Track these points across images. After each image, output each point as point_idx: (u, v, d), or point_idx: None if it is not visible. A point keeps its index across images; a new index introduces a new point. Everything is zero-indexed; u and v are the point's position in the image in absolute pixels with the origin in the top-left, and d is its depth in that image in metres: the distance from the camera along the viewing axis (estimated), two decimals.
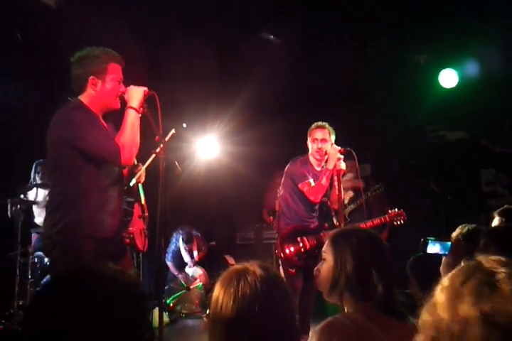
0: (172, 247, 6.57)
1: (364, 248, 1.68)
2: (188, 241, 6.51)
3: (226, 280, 1.33)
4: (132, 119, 2.57)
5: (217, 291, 1.32)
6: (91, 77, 2.59)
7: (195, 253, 6.55)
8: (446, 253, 2.17)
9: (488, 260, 0.97)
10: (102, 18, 4.46)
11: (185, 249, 6.50)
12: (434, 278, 2.02)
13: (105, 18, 4.47)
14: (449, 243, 2.18)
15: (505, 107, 5.72)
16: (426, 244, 2.23)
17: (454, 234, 2.71)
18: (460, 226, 2.75)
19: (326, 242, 1.78)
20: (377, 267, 1.64)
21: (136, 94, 2.61)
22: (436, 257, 2.26)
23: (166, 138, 2.82)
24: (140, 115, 2.62)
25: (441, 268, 2.13)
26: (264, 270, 1.34)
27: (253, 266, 1.35)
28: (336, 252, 1.69)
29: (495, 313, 0.86)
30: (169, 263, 6.40)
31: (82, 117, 2.52)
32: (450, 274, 1.01)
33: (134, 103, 2.59)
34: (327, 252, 1.74)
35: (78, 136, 2.48)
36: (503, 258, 0.97)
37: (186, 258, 6.47)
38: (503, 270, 0.92)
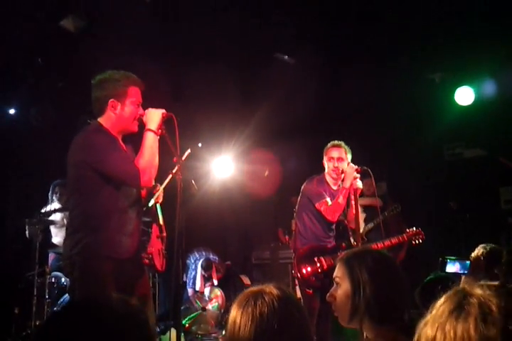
0: (193, 273, 6.49)
1: (381, 269, 1.63)
2: (207, 269, 6.43)
3: (243, 300, 1.33)
4: (151, 142, 2.60)
5: (235, 312, 1.32)
6: (111, 99, 2.64)
7: (215, 280, 6.46)
8: (466, 272, 2.13)
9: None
10: (122, 41, 4.56)
11: (203, 276, 6.41)
12: None
13: (125, 42, 4.57)
14: (468, 262, 2.14)
15: None
16: (445, 264, 2.19)
17: (474, 253, 2.66)
18: (480, 246, 2.71)
19: (338, 266, 1.71)
20: (395, 289, 1.60)
21: (154, 117, 2.64)
22: (455, 276, 2.22)
23: (183, 158, 2.87)
24: (158, 137, 2.65)
25: (461, 286, 2.09)
26: (280, 290, 1.34)
27: (269, 287, 1.35)
28: (352, 276, 1.63)
29: None
30: (190, 290, 6.34)
31: (103, 140, 2.57)
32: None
33: (153, 125, 2.63)
34: (341, 277, 1.67)
35: (99, 159, 2.52)
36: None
37: (198, 285, 6.37)
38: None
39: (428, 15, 4.66)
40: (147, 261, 2.88)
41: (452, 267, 2.20)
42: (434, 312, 1.04)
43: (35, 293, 4.71)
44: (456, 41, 4.91)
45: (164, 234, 3.09)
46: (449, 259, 2.19)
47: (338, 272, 1.69)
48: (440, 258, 2.18)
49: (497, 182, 6.32)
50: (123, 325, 1.00)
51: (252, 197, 7.12)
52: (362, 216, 5.55)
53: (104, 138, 2.59)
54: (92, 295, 2.30)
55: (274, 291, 1.33)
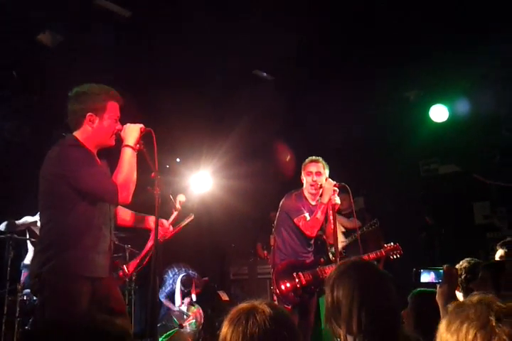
0: (168, 288, 6.39)
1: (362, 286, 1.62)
2: (187, 285, 6.34)
3: (235, 318, 1.31)
4: (129, 158, 2.56)
5: (226, 329, 1.30)
6: (89, 113, 2.60)
7: (193, 295, 6.38)
8: (440, 281, 2.15)
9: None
10: (99, 57, 4.54)
11: (182, 291, 6.32)
12: (432, 315, 1.98)
13: (102, 57, 4.55)
14: (442, 271, 2.15)
15: (494, 142, 5.82)
16: (419, 274, 2.20)
17: (458, 265, 2.71)
18: (465, 259, 2.76)
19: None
20: (369, 302, 1.58)
21: (133, 132, 2.61)
22: (431, 286, 2.23)
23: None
24: (136, 152, 2.62)
25: (436, 297, 2.09)
26: (273, 308, 1.32)
27: (262, 305, 1.33)
28: (331, 296, 1.64)
29: None
30: (163, 300, 6.24)
31: (78, 155, 2.52)
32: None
33: (131, 141, 2.59)
34: (326, 294, 1.68)
35: (75, 174, 2.46)
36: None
37: (178, 301, 6.27)
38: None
39: (403, 34, 4.77)
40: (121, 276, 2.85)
41: (427, 276, 2.21)
42: (468, 325, 1.01)
43: (4, 312, 4.56)
44: (431, 60, 5.03)
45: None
46: (423, 269, 2.20)
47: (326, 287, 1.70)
48: (414, 269, 2.18)
49: (471, 197, 6.45)
50: None
51: (231, 212, 7.10)
52: (340, 229, 5.58)
53: (80, 153, 2.53)
54: (64, 314, 2.24)
55: (267, 310, 1.31)
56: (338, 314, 1.58)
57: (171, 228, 2.96)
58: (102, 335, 0.99)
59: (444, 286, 2.04)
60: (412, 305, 2.49)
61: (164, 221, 2.93)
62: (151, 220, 2.85)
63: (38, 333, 1.04)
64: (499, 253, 2.75)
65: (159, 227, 2.79)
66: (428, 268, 2.19)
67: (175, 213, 3.02)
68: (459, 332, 1.01)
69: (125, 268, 2.95)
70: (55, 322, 1.09)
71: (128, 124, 2.66)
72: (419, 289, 2.53)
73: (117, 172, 2.54)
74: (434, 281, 2.15)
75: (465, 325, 1.01)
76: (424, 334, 1.71)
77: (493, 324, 0.98)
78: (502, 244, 2.82)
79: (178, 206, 3.00)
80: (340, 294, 1.60)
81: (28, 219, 5.13)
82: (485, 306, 1.02)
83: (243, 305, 1.36)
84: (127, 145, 2.58)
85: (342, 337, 1.59)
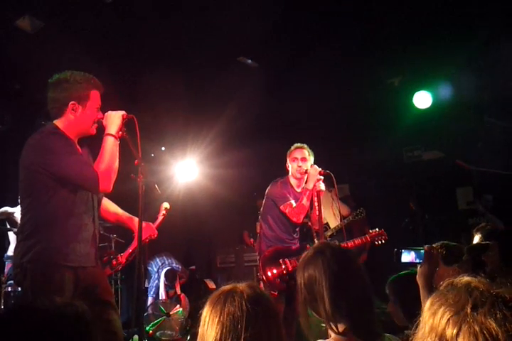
0: (155, 282, 6.37)
1: (335, 266, 1.62)
2: (172, 280, 6.33)
3: (215, 298, 1.35)
4: (111, 146, 2.53)
5: (205, 309, 1.35)
6: (72, 102, 2.56)
7: (178, 289, 6.37)
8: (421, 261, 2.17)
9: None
10: (79, 43, 4.46)
11: (166, 285, 6.30)
12: (415, 297, 2.00)
13: (82, 43, 4.47)
14: (423, 251, 2.17)
15: (477, 128, 5.88)
16: (399, 254, 2.22)
17: (435, 245, 2.73)
18: (442, 242, 2.78)
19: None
20: (347, 289, 1.59)
21: (115, 120, 2.57)
22: (412, 266, 2.24)
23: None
24: (119, 139, 2.59)
25: (417, 277, 2.11)
26: (252, 289, 1.35)
27: (242, 286, 1.37)
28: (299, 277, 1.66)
29: None
30: (150, 298, 6.23)
31: (59, 143, 2.48)
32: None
33: (113, 130, 2.56)
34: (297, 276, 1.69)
35: (55, 162, 2.43)
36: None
37: (162, 294, 6.27)
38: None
39: (386, 20, 4.76)
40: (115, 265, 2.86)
41: (408, 256, 2.23)
42: (444, 309, 1.01)
43: None
44: (414, 46, 5.04)
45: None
46: (404, 249, 2.22)
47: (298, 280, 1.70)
48: (395, 249, 2.20)
49: (454, 183, 6.53)
50: (65, 328, 0.98)
51: (217, 200, 7.10)
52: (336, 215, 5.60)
53: (61, 141, 2.50)
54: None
55: (246, 290, 1.34)
56: (317, 304, 1.59)
57: (156, 231, 2.95)
58: (57, 317, 0.99)
59: (425, 266, 2.06)
60: (393, 294, 2.50)
61: (151, 224, 2.93)
62: (134, 221, 2.80)
63: None
64: (476, 239, 2.79)
65: (147, 229, 2.82)
66: (409, 248, 2.21)
67: (160, 218, 3.05)
68: (435, 314, 1.01)
69: (119, 258, 2.94)
70: (15, 307, 1.09)
71: (110, 112, 2.62)
72: (392, 277, 2.55)
73: (98, 161, 2.51)
74: (414, 261, 2.17)
75: (442, 308, 1.01)
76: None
77: (468, 311, 0.97)
78: (477, 229, 2.85)
79: (163, 212, 3.05)
80: (313, 274, 1.61)
81: (7, 209, 5.07)
82: (466, 291, 1.01)
83: (224, 287, 1.40)
84: (109, 134, 2.54)
85: (326, 325, 1.59)
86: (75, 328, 1.00)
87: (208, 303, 1.36)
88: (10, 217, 5.05)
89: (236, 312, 1.28)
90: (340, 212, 5.03)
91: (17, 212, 4.86)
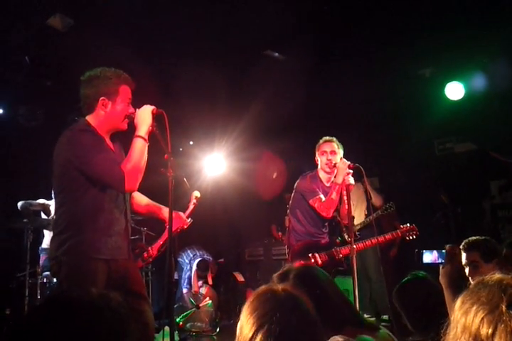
0: (188, 273, 6.42)
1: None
2: (204, 270, 6.37)
3: (250, 304, 1.27)
4: (140, 147, 2.55)
5: (243, 314, 1.27)
6: (102, 97, 2.60)
7: (209, 279, 6.41)
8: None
9: None
10: (111, 39, 4.51)
11: (199, 276, 6.35)
12: (423, 306, 1.91)
13: (113, 40, 4.53)
14: (444, 251, 2.12)
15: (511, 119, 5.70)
16: (421, 254, 2.18)
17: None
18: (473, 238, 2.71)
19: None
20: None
21: (145, 119, 2.58)
22: (434, 266, 2.19)
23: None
24: (149, 136, 2.60)
25: (440, 277, 2.06)
26: (287, 293, 1.27)
27: (278, 288, 1.29)
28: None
29: None
30: (185, 290, 6.30)
31: (88, 140, 2.52)
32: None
33: (142, 131, 2.57)
34: None
35: (84, 160, 2.48)
36: None
37: (195, 286, 6.31)
38: None
39: (417, 10, 4.65)
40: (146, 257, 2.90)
41: (430, 256, 2.18)
42: (477, 308, 0.97)
43: (26, 294, 4.67)
44: (446, 36, 4.91)
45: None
46: (426, 250, 2.17)
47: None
48: (416, 250, 2.15)
49: (488, 176, 6.36)
50: (100, 318, 0.99)
51: (245, 194, 7.12)
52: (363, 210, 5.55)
53: (90, 138, 2.54)
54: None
55: (281, 294, 1.26)
56: None
57: (188, 220, 2.96)
58: (91, 308, 1.00)
59: (447, 266, 2.02)
60: (397, 302, 2.36)
61: (181, 213, 2.95)
62: (165, 211, 2.83)
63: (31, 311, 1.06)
64: None
65: (178, 219, 2.84)
66: (431, 248, 2.16)
67: (191, 207, 3.05)
68: (468, 314, 0.98)
69: (150, 250, 2.99)
70: (51, 297, 1.11)
71: (140, 110, 2.62)
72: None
73: (126, 161, 2.53)
74: (437, 261, 2.12)
75: (474, 307, 0.98)
76: (427, 329, 1.65)
77: (503, 310, 0.93)
78: None
79: (194, 201, 3.04)
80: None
81: (44, 201, 5.23)
82: (499, 289, 0.97)
83: (261, 289, 1.32)
84: (139, 136, 2.56)
85: None
86: (108, 320, 1.01)
87: (244, 307, 1.27)
88: (46, 207, 5.21)
89: (273, 321, 1.19)
90: (369, 203, 4.94)
91: (52, 204, 5.00)
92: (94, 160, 2.48)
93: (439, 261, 2.08)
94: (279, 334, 1.17)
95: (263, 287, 1.32)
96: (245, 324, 1.23)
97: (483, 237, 2.59)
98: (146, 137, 2.59)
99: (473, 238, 2.58)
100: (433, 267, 2.15)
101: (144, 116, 2.60)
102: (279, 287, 1.30)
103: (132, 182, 2.50)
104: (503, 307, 0.94)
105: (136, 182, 2.53)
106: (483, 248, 2.39)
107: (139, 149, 2.55)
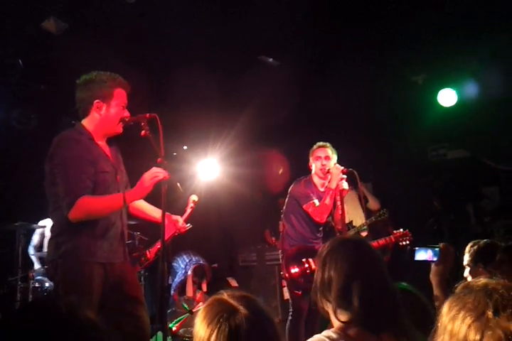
0: (182, 278, 6.38)
1: (352, 264, 1.55)
2: (201, 277, 6.32)
3: (213, 317, 1.24)
4: (116, 201, 2.52)
5: (204, 328, 1.25)
6: (96, 100, 2.61)
7: (204, 286, 6.38)
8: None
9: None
10: (104, 43, 4.52)
11: (194, 282, 6.31)
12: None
13: (108, 44, 4.53)
14: (438, 249, 2.12)
15: (504, 125, 5.74)
16: (413, 252, 2.17)
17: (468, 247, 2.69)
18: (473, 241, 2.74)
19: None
20: (360, 277, 1.52)
21: (144, 192, 2.51)
22: (427, 264, 2.18)
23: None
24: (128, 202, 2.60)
25: (431, 275, 2.06)
26: (250, 309, 1.26)
27: (239, 305, 1.27)
28: (322, 272, 1.59)
29: None
30: (172, 292, 6.26)
31: (70, 151, 2.51)
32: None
33: (135, 197, 2.56)
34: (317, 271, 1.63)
35: (57, 171, 2.49)
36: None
37: (190, 291, 6.27)
38: None
39: (410, 17, 4.69)
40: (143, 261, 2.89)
41: (423, 254, 2.17)
42: (464, 314, 0.97)
43: (18, 298, 4.63)
44: (439, 43, 4.95)
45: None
46: (419, 247, 2.16)
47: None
48: (408, 247, 2.16)
49: (480, 182, 6.40)
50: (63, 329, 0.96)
51: (238, 199, 7.11)
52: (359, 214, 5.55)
53: (74, 148, 2.52)
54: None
55: (243, 311, 1.25)
56: (329, 290, 1.54)
57: (187, 225, 2.96)
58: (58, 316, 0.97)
59: (440, 265, 2.02)
60: None
61: (179, 218, 2.94)
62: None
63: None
64: None
65: (175, 224, 2.85)
66: (425, 246, 2.16)
67: (188, 211, 3.05)
68: (455, 320, 0.98)
69: (148, 254, 2.99)
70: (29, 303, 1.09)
71: (145, 176, 2.52)
72: None
73: (95, 196, 2.50)
74: (430, 259, 2.12)
75: (461, 314, 0.97)
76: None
77: (490, 316, 0.93)
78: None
79: (191, 205, 3.03)
80: (333, 268, 1.55)
81: (43, 223, 5.18)
82: (485, 295, 0.97)
83: (217, 301, 1.30)
84: (128, 199, 2.51)
85: (331, 314, 1.54)
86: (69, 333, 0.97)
87: (203, 320, 1.26)
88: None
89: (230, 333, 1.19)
90: (364, 207, 4.93)
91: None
92: (64, 174, 2.47)
93: (434, 259, 2.06)
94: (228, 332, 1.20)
95: (210, 298, 1.34)
96: (200, 328, 1.24)
97: (485, 241, 2.63)
98: (129, 202, 2.60)
99: (478, 241, 2.63)
100: (425, 265, 2.14)
101: (146, 185, 2.50)
102: (225, 294, 1.31)
103: (77, 212, 2.42)
104: (490, 313, 0.94)
105: (81, 215, 2.44)
106: (481, 251, 2.42)
107: (114, 201, 2.52)
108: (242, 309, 1.25)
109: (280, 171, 7.03)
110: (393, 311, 1.50)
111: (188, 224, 2.98)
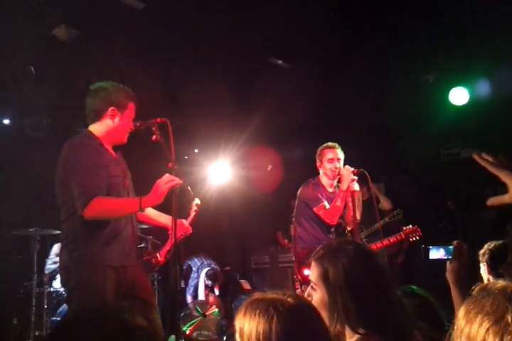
0: (195, 281, 6.38)
1: (358, 269, 1.49)
2: (214, 280, 6.34)
3: (254, 308, 1.24)
4: (129, 205, 2.56)
5: (243, 319, 1.25)
6: (112, 107, 2.65)
7: (216, 290, 6.39)
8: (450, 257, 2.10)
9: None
10: (116, 49, 4.55)
11: (207, 285, 6.32)
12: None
13: (119, 50, 4.56)
14: (451, 247, 2.10)
15: None
16: (427, 250, 2.15)
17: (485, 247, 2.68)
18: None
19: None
20: (376, 291, 1.46)
21: (156, 201, 2.53)
22: (441, 262, 2.17)
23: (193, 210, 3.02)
24: (142, 209, 2.61)
25: (446, 273, 2.03)
26: (296, 301, 1.26)
27: (285, 297, 1.27)
28: (326, 281, 1.50)
29: None
30: (189, 297, 6.27)
31: (83, 156, 2.54)
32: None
33: (148, 204, 2.57)
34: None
35: (71, 176, 2.52)
36: None
37: (202, 295, 6.27)
38: None
39: (420, 16, 4.66)
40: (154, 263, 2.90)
41: (436, 253, 2.16)
42: (482, 317, 0.95)
43: (33, 303, 4.67)
44: (450, 42, 4.92)
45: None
46: (433, 245, 2.14)
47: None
48: (422, 246, 2.13)
49: (495, 181, 6.32)
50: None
51: (250, 201, 7.11)
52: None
53: (87, 152, 2.55)
54: (88, 302, 2.31)
55: (289, 302, 1.24)
56: (345, 313, 1.45)
57: (190, 228, 3.00)
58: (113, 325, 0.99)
59: (454, 262, 2.00)
60: None
61: (184, 221, 2.97)
62: (166, 218, 2.92)
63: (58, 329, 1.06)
64: None
65: (180, 227, 2.86)
66: (439, 244, 2.14)
67: (192, 214, 3.07)
68: (472, 323, 0.95)
69: (158, 257, 3.00)
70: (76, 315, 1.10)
71: (156, 187, 2.54)
72: None
73: (109, 197, 2.53)
74: (444, 257, 2.10)
75: (479, 317, 0.95)
76: None
77: (509, 320, 0.90)
78: None
79: (195, 208, 3.06)
80: (332, 273, 1.49)
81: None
82: (504, 298, 0.94)
83: (264, 295, 1.29)
84: (140, 206, 2.52)
85: (347, 332, 1.46)
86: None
87: (244, 312, 1.25)
88: None
89: (280, 327, 1.18)
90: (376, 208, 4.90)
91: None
92: (79, 177, 2.50)
93: (446, 257, 2.04)
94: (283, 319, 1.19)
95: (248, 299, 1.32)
96: (247, 323, 1.23)
97: (501, 242, 2.61)
98: (144, 209, 2.63)
99: (494, 241, 2.61)
100: (440, 263, 2.12)
101: (158, 195, 2.52)
102: (260, 294, 1.30)
103: (92, 211, 2.45)
104: (509, 317, 0.92)
105: (96, 214, 2.47)
106: (496, 252, 2.40)
107: (129, 205, 2.56)
108: (289, 299, 1.25)
109: (269, 168, 6.95)
110: (400, 315, 1.46)
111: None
